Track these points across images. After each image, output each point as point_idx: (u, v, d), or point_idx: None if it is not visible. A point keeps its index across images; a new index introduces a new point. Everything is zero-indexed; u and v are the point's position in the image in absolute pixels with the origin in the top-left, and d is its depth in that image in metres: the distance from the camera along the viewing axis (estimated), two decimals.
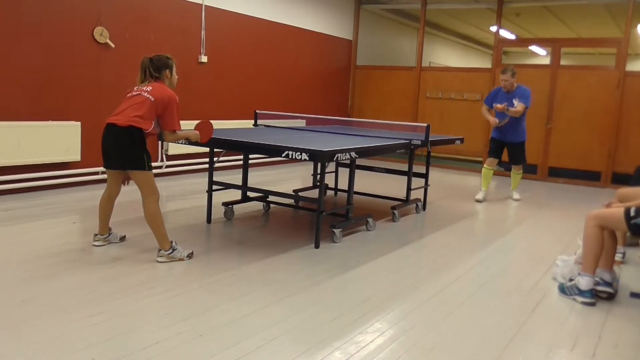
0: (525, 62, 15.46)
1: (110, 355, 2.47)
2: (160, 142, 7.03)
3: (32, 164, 5.74)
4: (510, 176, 7.31)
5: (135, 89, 3.86)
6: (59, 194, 5.85)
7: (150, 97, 3.74)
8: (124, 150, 3.77)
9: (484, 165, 7.05)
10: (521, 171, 7.17)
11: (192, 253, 3.93)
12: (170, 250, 3.82)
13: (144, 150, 3.80)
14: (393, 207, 5.53)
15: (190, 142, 4.25)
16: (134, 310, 3.00)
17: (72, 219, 5.03)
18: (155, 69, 3.88)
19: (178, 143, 4.32)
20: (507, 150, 6.88)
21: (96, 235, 4.10)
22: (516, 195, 7.24)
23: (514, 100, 6.55)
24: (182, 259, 3.85)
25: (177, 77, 4.03)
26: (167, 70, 3.92)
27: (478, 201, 6.92)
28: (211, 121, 4.27)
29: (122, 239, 4.24)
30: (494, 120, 6.66)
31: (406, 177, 5.81)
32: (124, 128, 3.70)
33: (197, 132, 4.14)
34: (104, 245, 4.08)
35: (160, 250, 3.82)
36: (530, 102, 6.61)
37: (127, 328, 2.77)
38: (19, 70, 5.60)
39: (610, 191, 4.42)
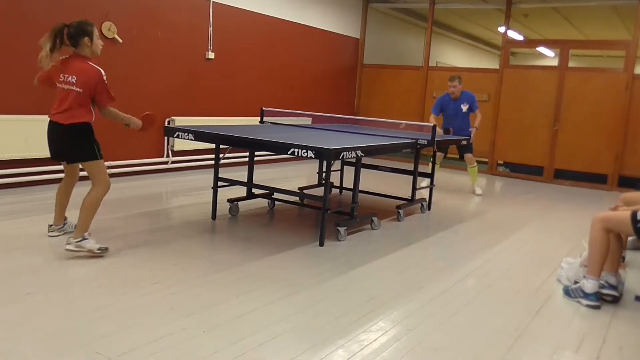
0: (533, 63, 15.40)
1: (114, 350, 2.48)
2: (166, 137, 7.05)
3: (38, 158, 5.75)
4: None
5: (60, 79, 3.67)
6: (52, 189, 5.84)
7: (77, 89, 3.63)
8: (71, 147, 3.74)
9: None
10: (475, 164, 7.41)
11: (107, 248, 3.74)
12: (80, 239, 3.66)
13: (92, 140, 3.76)
14: (398, 207, 5.52)
15: (127, 126, 4.02)
16: (138, 305, 3.01)
17: (77, 213, 5.03)
18: (71, 37, 3.63)
19: (120, 122, 4.02)
20: (457, 146, 7.16)
21: (51, 225, 4.06)
22: (478, 190, 7.46)
23: (462, 106, 7.15)
24: (93, 251, 3.66)
25: (101, 43, 3.79)
26: (86, 37, 3.66)
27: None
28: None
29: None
30: (439, 131, 6.91)
31: (411, 176, 5.80)
32: (67, 126, 3.66)
33: (139, 121, 4.00)
34: (59, 235, 4.03)
35: (70, 238, 3.70)
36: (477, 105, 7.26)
37: (131, 323, 2.78)
38: (27, 64, 5.60)
39: (616, 194, 4.40)
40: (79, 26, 3.65)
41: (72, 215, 4.07)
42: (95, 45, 3.73)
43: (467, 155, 7.30)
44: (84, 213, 3.74)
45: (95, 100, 3.71)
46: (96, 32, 3.75)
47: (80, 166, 3.99)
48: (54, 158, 3.92)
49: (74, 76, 3.64)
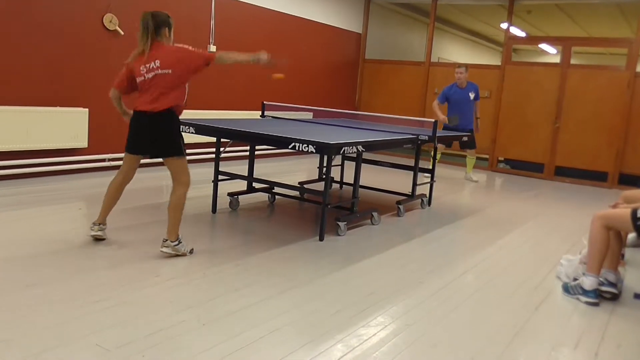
0: (535, 60, 15.37)
1: (114, 342, 2.48)
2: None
3: (39, 150, 5.75)
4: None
5: (141, 71, 3.57)
6: (65, 180, 5.87)
7: (166, 71, 3.53)
8: (161, 137, 3.63)
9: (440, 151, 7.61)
10: (474, 156, 8.10)
11: (192, 250, 3.78)
12: (177, 242, 3.67)
13: (180, 135, 3.68)
14: (398, 202, 5.52)
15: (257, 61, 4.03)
16: (139, 297, 3.01)
17: (78, 205, 5.05)
18: (156, 25, 3.58)
19: (250, 62, 4.10)
20: (460, 142, 7.51)
21: (98, 224, 3.85)
22: (474, 177, 8.15)
23: (469, 94, 7.54)
24: (185, 254, 3.70)
25: (173, 38, 3.75)
26: (167, 28, 3.64)
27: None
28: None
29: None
30: (443, 117, 7.41)
31: (412, 172, 5.80)
32: (161, 113, 3.55)
33: (264, 54, 3.93)
34: (102, 235, 3.85)
35: (167, 240, 3.66)
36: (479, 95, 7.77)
37: (131, 315, 2.78)
38: (29, 56, 5.61)
39: (617, 192, 4.40)
40: (162, 16, 3.63)
41: (119, 214, 4.06)
42: (171, 38, 3.71)
43: (470, 151, 7.87)
44: (172, 216, 3.66)
45: (197, 69, 3.62)
46: (173, 27, 3.72)
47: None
48: (133, 151, 3.80)
49: (157, 61, 3.53)
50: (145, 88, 3.61)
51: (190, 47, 3.61)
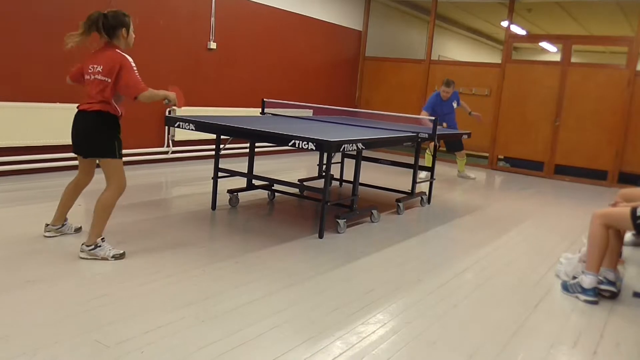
0: (536, 58, 15.36)
1: (112, 339, 2.48)
2: (167, 127, 7.04)
3: (36, 146, 5.75)
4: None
5: (89, 70, 3.50)
6: (64, 176, 5.84)
7: (106, 79, 3.43)
8: (91, 138, 3.54)
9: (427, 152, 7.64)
10: (464, 157, 8.28)
11: (123, 253, 3.55)
12: (93, 247, 3.48)
13: (115, 136, 3.54)
14: (398, 200, 5.52)
15: (168, 102, 3.69)
16: (137, 294, 3.01)
17: (77, 201, 5.03)
18: (110, 28, 3.45)
19: (163, 102, 3.73)
20: (445, 142, 7.89)
21: (48, 225, 3.82)
22: (472, 175, 8.37)
23: (452, 103, 7.79)
24: (106, 258, 3.47)
25: (134, 36, 3.60)
26: (124, 29, 3.50)
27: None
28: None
29: (78, 230, 3.94)
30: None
31: (411, 169, 5.80)
32: (93, 113, 3.47)
33: (174, 94, 3.68)
34: (55, 236, 3.81)
35: (83, 244, 3.50)
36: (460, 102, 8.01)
37: (130, 312, 2.78)
38: (28, 52, 5.60)
39: (616, 191, 4.40)
40: (116, 17, 3.48)
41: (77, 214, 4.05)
42: (130, 37, 3.57)
43: (460, 153, 8.11)
44: (98, 216, 3.53)
45: (125, 92, 3.47)
46: (132, 24, 3.58)
47: (95, 167, 3.80)
48: (74, 152, 3.72)
49: (100, 65, 3.45)
50: (88, 89, 3.54)
51: (134, 69, 3.44)
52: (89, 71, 3.52)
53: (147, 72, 6.64)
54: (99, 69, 3.46)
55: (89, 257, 3.48)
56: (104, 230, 3.56)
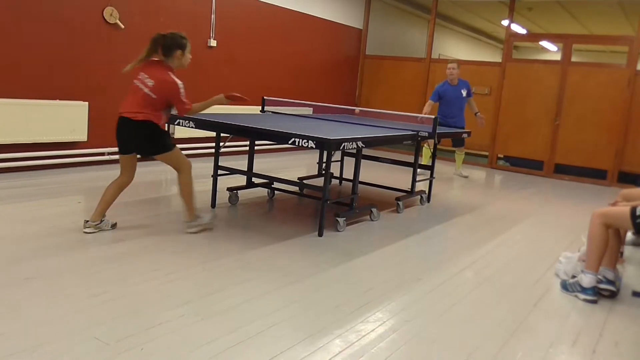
0: (536, 57, 15.36)
1: (112, 336, 2.48)
2: (167, 125, 7.02)
3: (39, 143, 5.75)
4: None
5: (139, 77, 3.78)
6: (64, 173, 5.86)
7: (152, 94, 3.73)
8: (144, 142, 3.84)
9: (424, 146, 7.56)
10: (464, 152, 8.22)
11: (211, 222, 4.12)
12: (195, 220, 4.01)
13: (164, 133, 3.88)
14: (397, 198, 5.52)
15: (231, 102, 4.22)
16: (137, 291, 3.01)
17: (77, 198, 5.05)
18: (167, 48, 3.78)
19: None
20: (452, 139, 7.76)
21: (87, 221, 3.90)
22: (464, 173, 8.24)
23: (462, 91, 7.55)
24: (208, 226, 4.09)
25: (190, 57, 3.93)
26: (180, 50, 3.82)
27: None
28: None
29: (114, 226, 4.05)
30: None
31: (411, 168, 5.80)
32: (139, 122, 3.75)
33: (221, 97, 4.11)
34: (94, 232, 3.89)
35: (188, 222, 4.01)
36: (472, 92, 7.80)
37: (129, 309, 2.78)
38: (29, 49, 5.59)
39: (616, 190, 4.40)
40: (174, 38, 3.80)
41: (115, 208, 4.06)
42: (185, 59, 3.87)
43: (458, 148, 8.04)
44: (185, 197, 4.00)
45: (175, 108, 3.86)
46: (189, 47, 3.88)
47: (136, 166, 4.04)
48: (124, 152, 3.94)
49: (152, 80, 3.74)
50: (132, 93, 3.80)
51: (182, 91, 3.76)
52: (139, 77, 3.79)
53: None
54: (150, 82, 3.75)
55: (197, 230, 4.03)
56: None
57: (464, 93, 7.59)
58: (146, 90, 3.73)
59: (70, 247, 3.61)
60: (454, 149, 8.23)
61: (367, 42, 10.78)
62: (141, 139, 3.83)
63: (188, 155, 7.38)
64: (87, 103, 6.08)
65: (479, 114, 7.81)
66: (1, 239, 3.66)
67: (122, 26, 6.33)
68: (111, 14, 6.21)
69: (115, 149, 6.43)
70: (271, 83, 8.66)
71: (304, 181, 6.03)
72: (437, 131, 5.38)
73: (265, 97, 6.25)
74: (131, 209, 4.53)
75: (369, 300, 3.18)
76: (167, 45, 3.77)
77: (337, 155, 6.59)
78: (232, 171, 5.01)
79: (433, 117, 5.48)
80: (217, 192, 4.98)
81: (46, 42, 5.71)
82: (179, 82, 3.77)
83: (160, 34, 3.79)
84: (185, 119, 4.34)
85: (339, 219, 4.56)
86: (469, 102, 7.73)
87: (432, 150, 6.40)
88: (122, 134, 3.86)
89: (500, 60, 9.71)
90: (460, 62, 7.83)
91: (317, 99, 9.10)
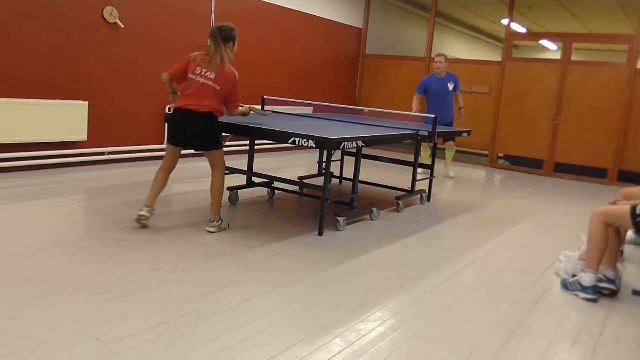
0: (536, 56, 15.35)
1: (112, 335, 2.49)
2: (167, 124, 7.03)
3: (39, 142, 5.75)
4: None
5: (196, 71, 3.93)
6: (64, 172, 5.86)
7: (216, 86, 3.93)
8: (204, 134, 4.01)
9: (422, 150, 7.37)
10: (454, 149, 7.93)
11: (229, 225, 4.28)
12: (220, 221, 4.15)
13: (220, 131, 4.14)
14: (397, 198, 5.52)
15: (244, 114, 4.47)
16: (137, 291, 3.01)
17: (77, 198, 5.05)
18: (223, 40, 3.92)
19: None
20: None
21: (143, 207, 4.06)
22: (451, 173, 7.98)
23: (448, 84, 7.46)
24: (225, 229, 4.21)
25: (236, 48, 4.09)
26: (231, 42, 3.99)
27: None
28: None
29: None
30: (417, 109, 7.51)
31: (411, 167, 5.80)
32: (204, 114, 3.92)
33: (248, 107, 4.45)
34: (148, 216, 4.05)
35: (213, 221, 4.14)
36: (459, 87, 7.68)
37: (129, 308, 2.78)
38: (28, 48, 5.59)
39: (616, 189, 4.41)
40: (228, 31, 3.98)
41: (123, 206, 4.05)
42: (234, 49, 4.06)
43: (449, 143, 7.78)
44: (215, 198, 4.15)
45: (226, 104, 4.06)
46: (237, 38, 4.07)
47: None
48: (178, 144, 4.13)
49: (213, 73, 3.92)
50: (194, 89, 3.95)
51: (237, 89, 4.09)
52: (197, 72, 3.96)
53: (146, 68, 6.66)
54: (211, 75, 3.93)
55: (217, 230, 4.16)
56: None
57: (450, 87, 7.51)
58: (210, 83, 3.92)
59: (70, 246, 3.61)
60: (443, 146, 8.06)
61: (367, 41, 10.77)
62: (203, 130, 3.99)
63: (188, 155, 7.42)
64: (87, 102, 6.07)
65: (462, 110, 7.76)
66: (1, 239, 3.66)
67: (122, 25, 6.33)
68: (111, 13, 6.20)
69: (115, 148, 6.46)
70: (271, 82, 8.66)
71: (304, 180, 6.03)
72: (436, 130, 5.38)
73: (265, 96, 6.25)
74: (130, 208, 4.52)
75: (369, 299, 3.18)
76: (224, 37, 3.93)
77: (337, 155, 6.58)
78: (232, 170, 5.01)
79: (433, 116, 5.48)
80: None
81: (46, 41, 5.71)
82: (237, 74, 4.03)
83: (216, 27, 3.95)
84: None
85: (339, 218, 4.56)
86: (455, 96, 7.65)
87: (431, 150, 6.39)
88: (184, 124, 3.99)
89: (500, 59, 9.70)
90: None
91: (317, 98, 9.09)
